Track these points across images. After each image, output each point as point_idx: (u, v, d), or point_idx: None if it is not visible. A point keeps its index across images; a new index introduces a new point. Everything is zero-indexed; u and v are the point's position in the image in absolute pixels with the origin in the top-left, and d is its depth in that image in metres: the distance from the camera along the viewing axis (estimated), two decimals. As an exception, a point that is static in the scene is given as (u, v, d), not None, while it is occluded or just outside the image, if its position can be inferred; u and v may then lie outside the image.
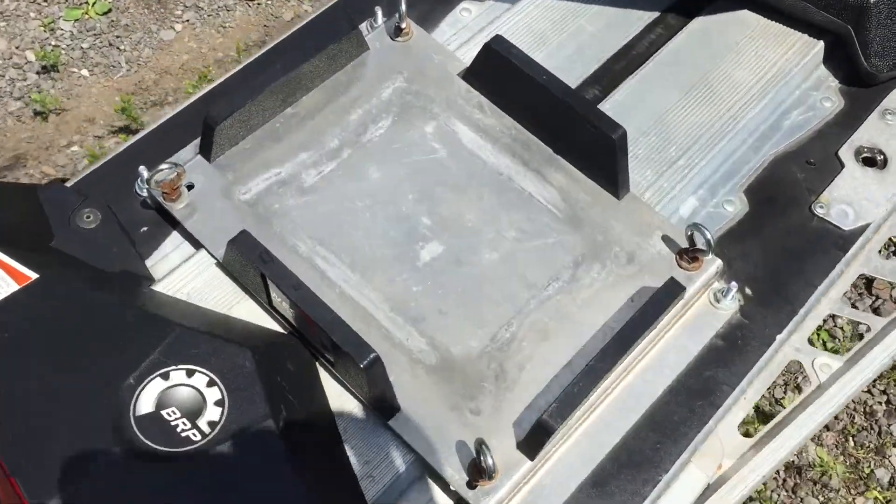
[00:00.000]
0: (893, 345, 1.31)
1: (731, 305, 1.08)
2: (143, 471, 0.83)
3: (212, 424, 0.86)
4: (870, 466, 2.01)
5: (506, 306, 1.03)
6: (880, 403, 2.07)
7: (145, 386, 0.87)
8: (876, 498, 1.98)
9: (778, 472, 1.99)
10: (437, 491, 0.97)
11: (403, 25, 1.22)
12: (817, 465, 1.96)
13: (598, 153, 1.09)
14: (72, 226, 1.08)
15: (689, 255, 1.07)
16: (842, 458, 2.03)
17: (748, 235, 1.12)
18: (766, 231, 1.16)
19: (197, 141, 1.14)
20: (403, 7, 1.20)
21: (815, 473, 1.95)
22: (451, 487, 0.94)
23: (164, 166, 1.06)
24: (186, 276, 1.06)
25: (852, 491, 2.00)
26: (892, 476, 2.00)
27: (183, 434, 0.85)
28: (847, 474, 2.01)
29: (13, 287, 0.98)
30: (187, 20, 2.55)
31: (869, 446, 2.04)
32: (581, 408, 0.95)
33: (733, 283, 1.07)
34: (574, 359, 1.00)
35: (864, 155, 1.23)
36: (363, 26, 1.25)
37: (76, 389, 0.87)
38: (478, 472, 0.92)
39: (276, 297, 0.98)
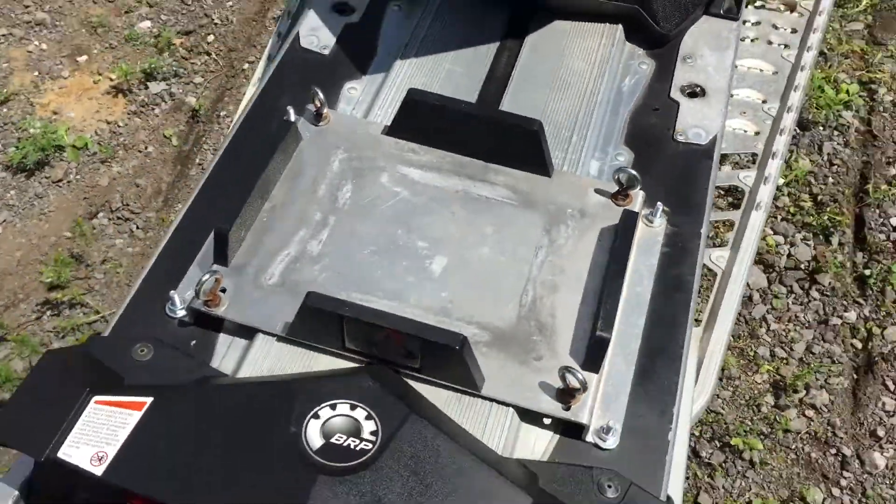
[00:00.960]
0: (756, 229, 1.69)
1: (661, 222, 1.39)
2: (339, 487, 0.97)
3: (374, 433, 1.02)
4: (752, 349, 2.43)
5: (516, 280, 1.27)
6: (736, 300, 2.50)
7: (306, 427, 1.01)
8: (768, 370, 2.39)
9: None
10: (537, 431, 1.18)
11: (323, 112, 1.44)
12: (716, 365, 2.35)
13: (525, 146, 1.37)
14: (134, 363, 1.18)
15: (621, 194, 1.36)
16: (730, 352, 2.43)
17: (644, 171, 1.44)
18: (654, 164, 1.48)
19: (198, 258, 1.28)
20: (321, 96, 1.42)
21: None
22: (553, 415, 1.15)
23: (205, 277, 1.19)
24: (256, 360, 1.19)
25: (749, 373, 2.40)
26: (770, 349, 2.43)
27: (357, 448, 1.00)
28: (739, 363, 2.41)
29: (136, 414, 1.08)
30: (4, 220, 2.56)
31: (745, 336, 2.46)
32: (616, 318, 1.20)
33: (658, 203, 1.38)
34: (585, 294, 1.26)
35: (688, 91, 1.61)
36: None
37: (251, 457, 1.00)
38: (568, 394, 1.15)
39: (353, 333, 1.15)
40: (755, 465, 2.25)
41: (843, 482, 2.24)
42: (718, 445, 2.27)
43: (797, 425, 2.31)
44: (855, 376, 2.40)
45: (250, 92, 1.85)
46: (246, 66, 2.89)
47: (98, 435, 1.06)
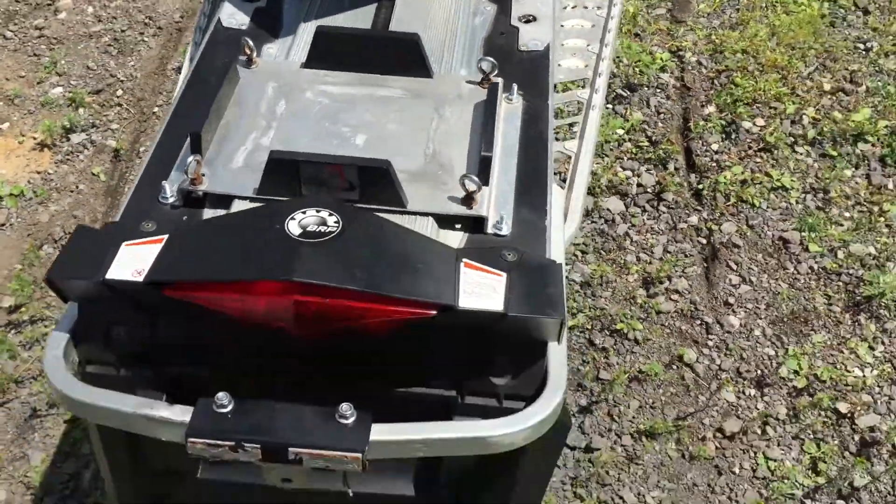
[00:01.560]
0: (594, 125, 2.22)
1: (518, 99, 1.87)
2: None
3: (336, 223, 1.42)
4: (622, 258, 2.94)
5: (419, 142, 1.73)
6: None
7: (287, 224, 1.41)
8: (637, 271, 2.90)
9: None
10: (452, 234, 1.62)
11: (253, 57, 1.88)
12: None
13: (409, 55, 1.84)
14: (146, 230, 1.55)
15: (486, 80, 1.85)
16: (604, 262, 2.93)
17: (500, 72, 1.92)
18: (506, 66, 1.96)
19: (177, 164, 1.68)
20: (251, 43, 1.86)
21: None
22: (461, 214, 1.59)
23: (189, 160, 1.59)
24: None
25: (622, 276, 2.90)
26: (636, 255, 2.94)
27: (325, 231, 1.41)
28: (613, 269, 2.91)
29: (158, 245, 1.46)
30: (-44, 265, 2.85)
31: (614, 249, 2.97)
32: (496, 157, 1.67)
33: (513, 84, 1.87)
34: (471, 144, 1.72)
35: (524, 19, 2.13)
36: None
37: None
38: (469, 198, 1.60)
39: (307, 175, 1.56)
40: (639, 342, 2.73)
41: (710, 342, 2.75)
42: (608, 333, 2.75)
43: (666, 307, 2.81)
44: (705, 264, 2.94)
45: (185, 67, 2.27)
46: (156, 109, 3.30)
47: (133, 263, 1.43)
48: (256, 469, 1.57)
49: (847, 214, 3.04)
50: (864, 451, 2.51)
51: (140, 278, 1.39)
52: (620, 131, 3.25)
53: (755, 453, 2.52)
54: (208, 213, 1.63)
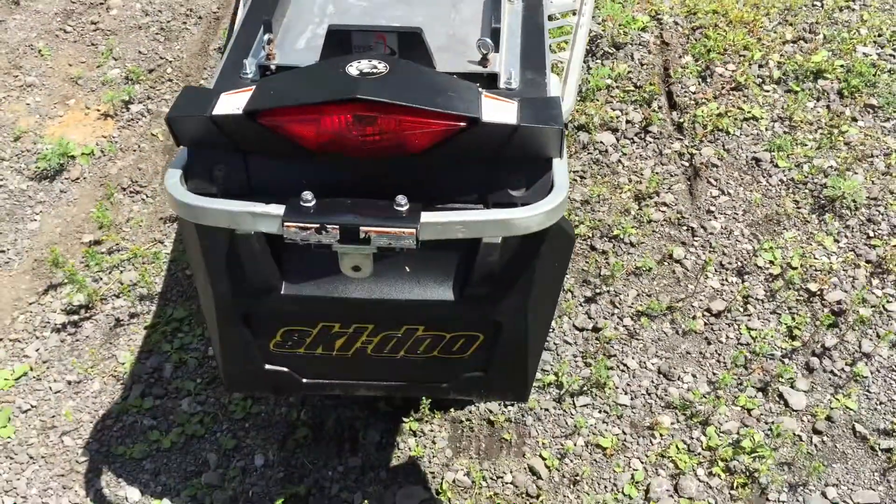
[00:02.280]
0: (585, 27, 2.68)
1: (519, 1, 2.34)
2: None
3: (385, 67, 1.86)
4: (615, 180, 3.37)
5: (442, 26, 2.19)
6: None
7: (346, 68, 1.85)
8: (629, 189, 3.33)
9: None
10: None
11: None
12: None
13: None
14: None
15: None
16: (600, 185, 3.36)
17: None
18: None
19: (252, 51, 2.14)
20: None
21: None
22: (477, 72, 2.04)
23: (265, 37, 2.04)
24: None
25: (617, 194, 3.33)
26: (628, 177, 3.37)
27: (377, 72, 1.85)
28: (609, 189, 3.33)
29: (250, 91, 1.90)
30: (41, 211, 3.30)
31: (608, 174, 3.40)
32: (503, 34, 2.13)
33: None
34: (483, 28, 2.18)
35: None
36: None
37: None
38: (484, 59, 2.05)
39: (358, 41, 2.02)
40: (634, 244, 3.15)
41: (696, 242, 3.17)
42: (606, 238, 3.17)
43: (657, 216, 3.24)
44: (688, 181, 3.38)
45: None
46: (202, 81, 3.77)
47: (232, 104, 1.87)
48: (330, 280, 2.00)
49: (811, 136, 3.48)
50: (833, 318, 2.91)
51: (238, 111, 1.82)
52: (609, 80, 3.71)
53: (738, 326, 2.93)
54: None
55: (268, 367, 2.16)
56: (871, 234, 3.16)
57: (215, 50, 3.91)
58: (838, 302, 2.96)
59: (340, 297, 2.02)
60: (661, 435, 2.65)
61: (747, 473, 2.56)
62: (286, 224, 1.77)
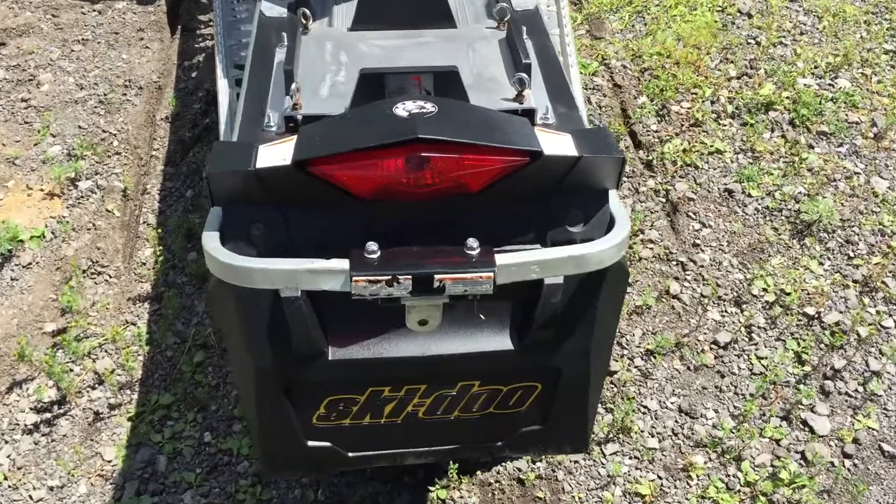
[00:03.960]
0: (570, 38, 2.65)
1: (527, 37, 2.29)
2: None
3: (433, 106, 1.76)
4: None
5: (464, 66, 2.11)
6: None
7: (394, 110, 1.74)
8: (613, 225, 3.29)
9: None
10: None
11: (310, 24, 2.23)
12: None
13: (438, 10, 2.23)
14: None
15: (502, 24, 2.25)
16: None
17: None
18: (510, 20, 2.37)
19: (269, 101, 2.00)
20: (308, 11, 2.22)
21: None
22: (514, 109, 1.96)
23: (293, 86, 1.90)
24: None
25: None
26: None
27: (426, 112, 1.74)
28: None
29: (293, 141, 1.76)
30: (-12, 307, 3.00)
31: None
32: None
33: (522, 26, 2.27)
34: (506, 64, 2.11)
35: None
36: None
37: None
38: (520, 94, 1.98)
39: (391, 86, 1.91)
40: (630, 283, 3.10)
41: (688, 276, 3.15)
42: (601, 280, 3.11)
43: (645, 254, 3.21)
44: (668, 217, 3.38)
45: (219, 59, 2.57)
46: (153, 152, 3.57)
47: (275, 156, 1.72)
48: (380, 339, 1.85)
49: (774, 165, 3.55)
50: (844, 338, 2.92)
51: (285, 162, 1.68)
52: (572, 125, 3.70)
53: (748, 356, 2.90)
54: None
55: (310, 443, 1.98)
56: (852, 254, 3.22)
57: (163, 120, 3.71)
58: (836, 323, 2.98)
59: (393, 358, 1.87)
60: (696, 476, 2.57)
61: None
62: (355, 279, 1.62)
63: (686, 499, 2.52)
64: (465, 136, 1.67)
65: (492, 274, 1.65)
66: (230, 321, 1.85)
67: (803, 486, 2.52)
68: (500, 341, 1.91)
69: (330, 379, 1.89)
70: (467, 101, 1.95)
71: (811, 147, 3.64)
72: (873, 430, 2.69)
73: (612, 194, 1.86)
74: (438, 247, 1.70)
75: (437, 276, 1.63)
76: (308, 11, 2.24)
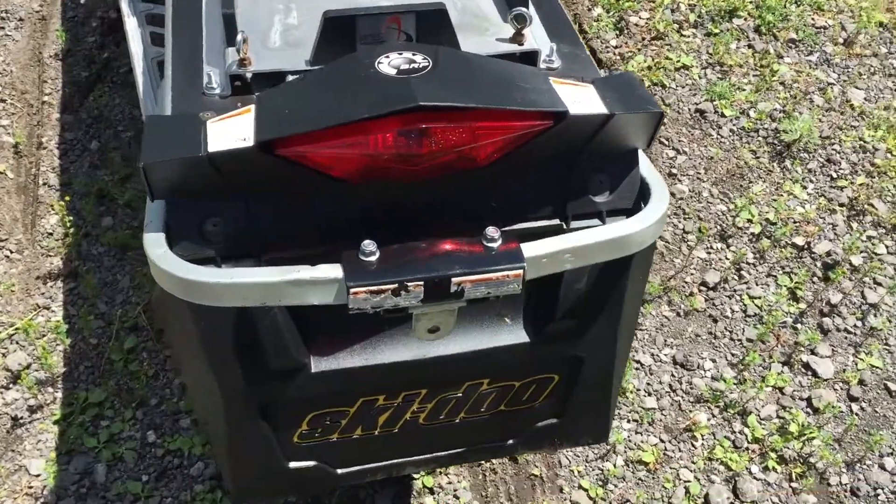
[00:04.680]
0: None
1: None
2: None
3: (424, 59, 1.38)
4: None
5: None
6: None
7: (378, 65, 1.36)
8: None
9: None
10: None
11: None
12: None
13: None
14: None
15: None
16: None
17: None
18: None
19: (205, 53, 1.57)
20: None
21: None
22: (514, 52, 1.60)
23: (238, 37, 1.49)
24: None
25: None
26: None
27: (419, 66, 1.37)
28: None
29: (248, 114, 1.36)
30: None
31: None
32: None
33: None
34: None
35: None
36: None
37: None
38: (518, 34, 1.61)
39: (364, 28, 1.51)
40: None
41: (668, 210, 2.88)
42: (576, 220, 2.82)
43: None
44: (641, 144, 3.08)
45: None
46: (45, 98, 3.05)
47: (230, 134, 1.33)
48: (371, 344, 1.52)
49: (745, 80, 3.28)
50: (829, 272, 2.72)
51: (247, 143, 1.29)
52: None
53: (740, 296, 2.68)
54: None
55: (292, 464, 1.65)
56: (835, 174, 3.00)
57: (51, 57, 3.18)
58: (827, 253, 2.78)
59: (387, 364, 1.54)
60: (701, 436, 2.36)
61: (802, 460, 2.32)
62: (353, 291, 1.27)
63: (692, 462, 2.31)
64: (476, 99, 1.32)
65: (521, 271, 1.32)
66: (186, 337, 1.48)
67: (813, 438, 2.34)
68: (512, 334, 1.60)
69: (313, 393, 1.56)
70: (458, 46, 1.58)
71: (781, 57, 3.38)
72: (877, 368, 2.52)
73: (642, 156, 1.54)
74: (450, 239, 1.35)
75: (454, 280, 1.30)
76: None
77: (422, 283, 1.28)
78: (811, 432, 2.35)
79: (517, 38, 1.63)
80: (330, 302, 1.30)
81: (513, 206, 1.50)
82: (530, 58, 1.64)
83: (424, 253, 1.32)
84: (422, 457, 1.76)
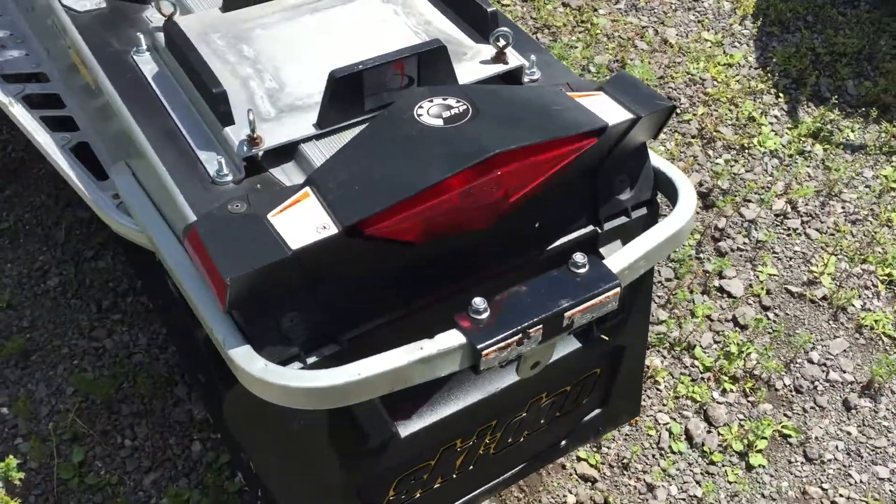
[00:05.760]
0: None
1: None
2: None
3: (458, 102, 1.36)
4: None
5: (403, 29, 1.68)
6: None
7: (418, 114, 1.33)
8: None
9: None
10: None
11: (175, 17, 1.63)
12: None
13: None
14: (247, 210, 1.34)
15: None
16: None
17: None
18: None
19: (196, 141, 1.45)
20: (170, 2, 1.62)
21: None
22: (499, 72, 1.61)
23: (250, 115, 1.37)
24: (316, 158, 1.44)
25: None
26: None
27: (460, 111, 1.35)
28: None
29: (311, 196, 1.28)
30: None
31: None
32: None
33: None
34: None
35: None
36: None
37: None
38: (501, 54, 1.62)
39: (371, 83, 1.45)
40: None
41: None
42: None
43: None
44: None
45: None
46: None
47: (304, 226, 1.25)
48: (443, 393, 1.51)
49: (574, 38, 3.45)
50: (706, 200, 2.97)
51: (331, 231, 1.23)
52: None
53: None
54: (276, 172, 1.46)
55: (379, 534, 1.61)
56: (679, 110, 3.26)
57: None
58: (700, 183, 3.03)
59: (465, 407, 1.54)
60: (662, 379, 2.54)
61: (749, 375, 2.56)
62: (485, 354, 1.26)
63: (664, 405, 2.48)
64: (536, 133, 1.33)
65: (618, 289, 1.36)
66: (281, 445, 1.39)
67: (750, 353, 2.58)
68: (566, 343, 1.64)
69: (402, 458, 1.52)
70: (455, 79, 1.56)
71: (596, 11, 3.58)
72: (774, 275, 2.81)
73: (652, 153, 1.62)
74: (542, 274, 1.36)
75: (566, 314, 1.32)
76: (168, 2, 1.64)
77: (540, 326, 1.29)
78: (747, 348, 2.59)
79: (501, 57, 1.63)
80: (457, 369, 1.27)
81: (553, 224, 1.53)
82: (514, 74, 1.65)
83: (531, 296, 1.32)
84: (491, 484, 1.77)
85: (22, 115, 1.87)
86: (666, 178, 1.59)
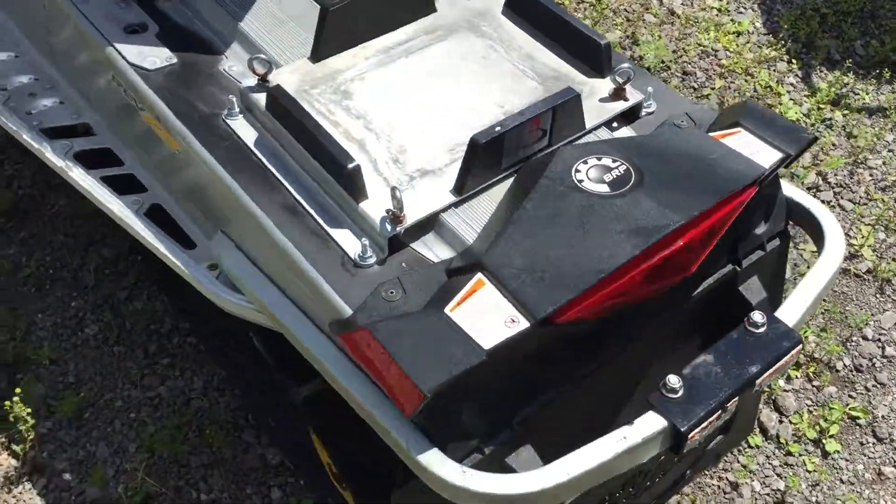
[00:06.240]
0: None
1: None
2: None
3: (615, 161, 1.29)
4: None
5: (507, 66, 1.59)
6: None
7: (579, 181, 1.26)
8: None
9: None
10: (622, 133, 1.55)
11: (269, 76, 1.50)
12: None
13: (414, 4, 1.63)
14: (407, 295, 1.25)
15: None
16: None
17: None
18: None
19: (326, 221, 1.35)
20: (263, 60, 1.48)
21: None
22: (630, 105, 1.53)
23: (397, 193, 1.27)
24: (460, 227, 1.36)
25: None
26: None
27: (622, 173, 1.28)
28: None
29: (488, 285, 1.20)
30: None
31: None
32: None
33: None
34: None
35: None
36: None
37: None
38: (621, 89, 1.54)
39: (511, 142, 1.37)
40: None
41: None
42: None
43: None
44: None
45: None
46: None
47: (489, 320, 1.17)
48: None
49: (583, 16, 3.36)
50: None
51: (522, 325, 1.15)
52: None
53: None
54: (418, 246, 1.36)
55: None
56: (696, 85, 3.21)
57: None
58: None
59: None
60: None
61: (810, 358, 2.57)
62: (690, 436, 1.20)
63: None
64: (707, 195, 1.27)
65: (801, 345, 1.32)
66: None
67: (807, 336, 2.59)
68: None
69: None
70: (583, 124, 1.48)
71: (599, -14, 3.49)
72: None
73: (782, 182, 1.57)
74: (724, 339, 1.31)
75: (757, 381, 1.27)
76: (262, 60, 1.50)
77: (737, 397, 1.24)
78: (804, 331, 2.59)
79: (620, 93, 1.55)
80: (657, 453, 1.22)
81: (704, 267, 1.47)
82: (633, 110, 1.57)
83: (716, 364, 1.27)
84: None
85: (84, 180, 1.72)
86: (803, 210, 1.54)
